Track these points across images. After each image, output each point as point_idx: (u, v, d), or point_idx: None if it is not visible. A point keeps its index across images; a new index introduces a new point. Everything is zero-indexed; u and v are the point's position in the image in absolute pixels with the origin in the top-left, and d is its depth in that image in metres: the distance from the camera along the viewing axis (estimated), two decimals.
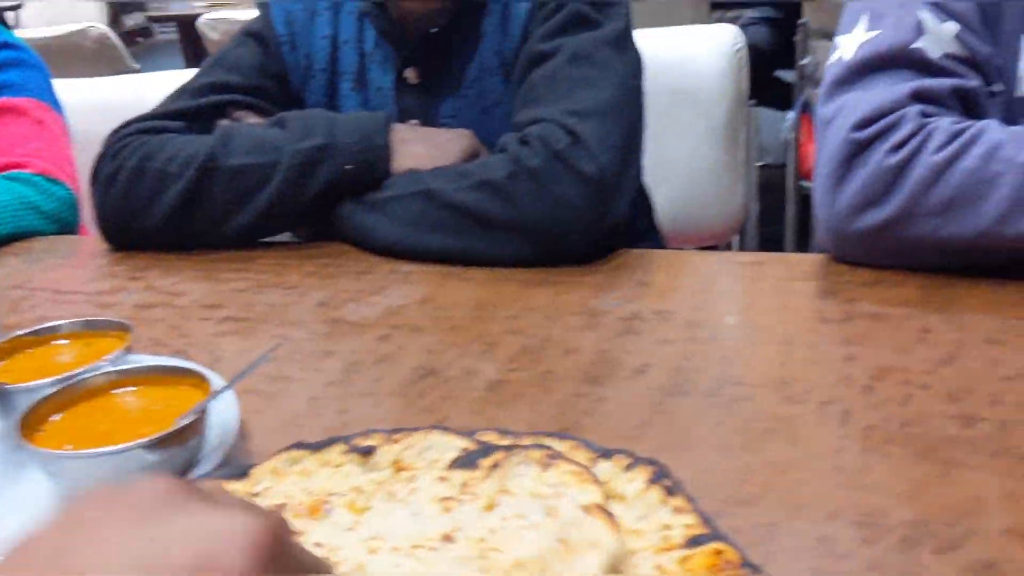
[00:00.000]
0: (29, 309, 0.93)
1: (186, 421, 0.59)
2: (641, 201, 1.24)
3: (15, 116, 1.28)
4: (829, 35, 1.09)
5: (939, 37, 0.85)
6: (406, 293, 0.90)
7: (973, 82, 0.85)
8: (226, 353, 0.80)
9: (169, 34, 5.65)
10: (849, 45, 0.88)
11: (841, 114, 0.84)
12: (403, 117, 1.09)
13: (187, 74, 1.19)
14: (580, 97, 0.95)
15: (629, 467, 0.53)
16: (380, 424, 0.67)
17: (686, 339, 0.76)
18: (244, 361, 0.78)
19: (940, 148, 0.79)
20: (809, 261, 0.88)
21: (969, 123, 0.81)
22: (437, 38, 1.08)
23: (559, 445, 0.55)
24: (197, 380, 0.65)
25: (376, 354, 0.78)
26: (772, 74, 3.05)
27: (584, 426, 0.64)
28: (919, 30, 0.85)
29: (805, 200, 2.37)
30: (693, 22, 2.28)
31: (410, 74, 1.10)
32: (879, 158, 0.80)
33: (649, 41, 1.30)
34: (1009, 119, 0.84)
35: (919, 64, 0.85)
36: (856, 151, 0.82)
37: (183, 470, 0.61)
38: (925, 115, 0.82)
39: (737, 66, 1.50)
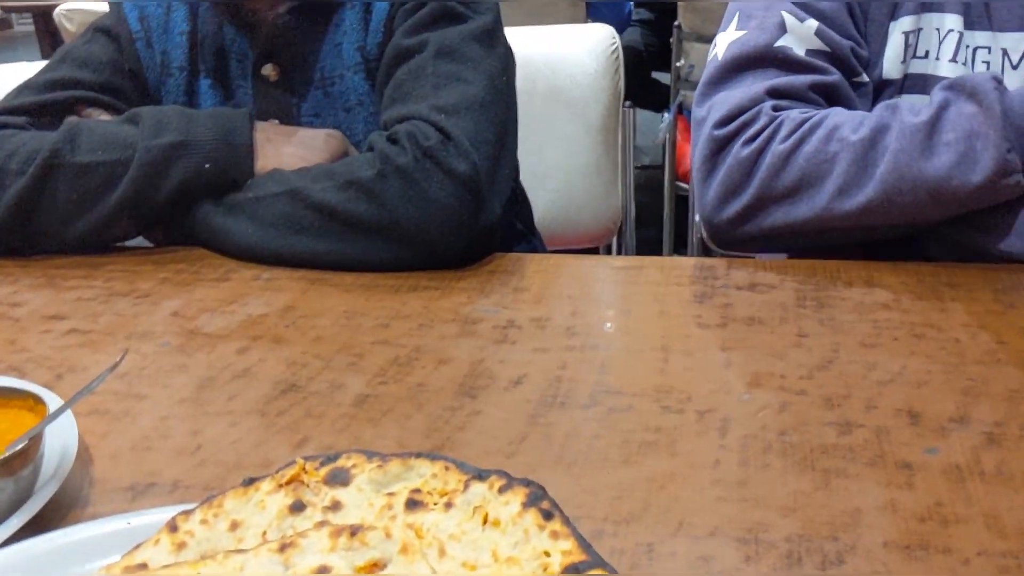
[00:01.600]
0: None
1: (16, 448, 0.53)
2: (517, 203, 1.21)
3: None
4: (703, 38, 1.10)
5: (801, 35, 0.90)
6: (267, 301, 0.84)
7: (832, 76, 0.90)
8: (70, 370, 0.73)
9: (28, 25, 5.35)
10: (722, 44, 0.92)
11: (710, 113, 0.90)
12: (263, 116, 1.03)
13: (40, 67, 1.10)
14: (448, 93, 0.91)
15: (503, 489, 0.50)
16: (237, 444, 0.62)
17: (563, 348, 0.73)
18: (89, 378, 0.71)
19: (786, 137, 0.85)
20: (685, 264, 0.87)
21: (816, 112, 0.86)
22: (294, 33, 1.02)
23: (430, 467, 0.52)
24: (31, 402, 0.58)
25: (233, 368, 0.72)
26: (649, 76, 3.09)
27: (457, 443, 0.61)
28: (782, 29, 0.90)
29: (682, 201, 2.40)
30: (570, 22, 2.28)
31: (268, 71, 1.04)
32: (736, 150, 0.87)
33: (524, 40, 1.28)
34: (877, 103, 0.89)
35: (782, 62, 0.90)
36: (718, 147, 0.88)
37: (15, 504, 0.54)
38: (777, 109, 0.87)
39: (613, 67, 1.49)
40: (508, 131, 0.95)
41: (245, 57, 1.05)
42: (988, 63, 0.91)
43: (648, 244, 2.52)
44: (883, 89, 0.93)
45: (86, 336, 0.79)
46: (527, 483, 0.50)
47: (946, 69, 0.92)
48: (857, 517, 0.51)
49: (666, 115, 2.48)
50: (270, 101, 1.04)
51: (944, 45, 0.92)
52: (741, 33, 0.92)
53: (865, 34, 0.93)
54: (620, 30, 2.67)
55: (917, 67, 0.93)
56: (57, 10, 2.23)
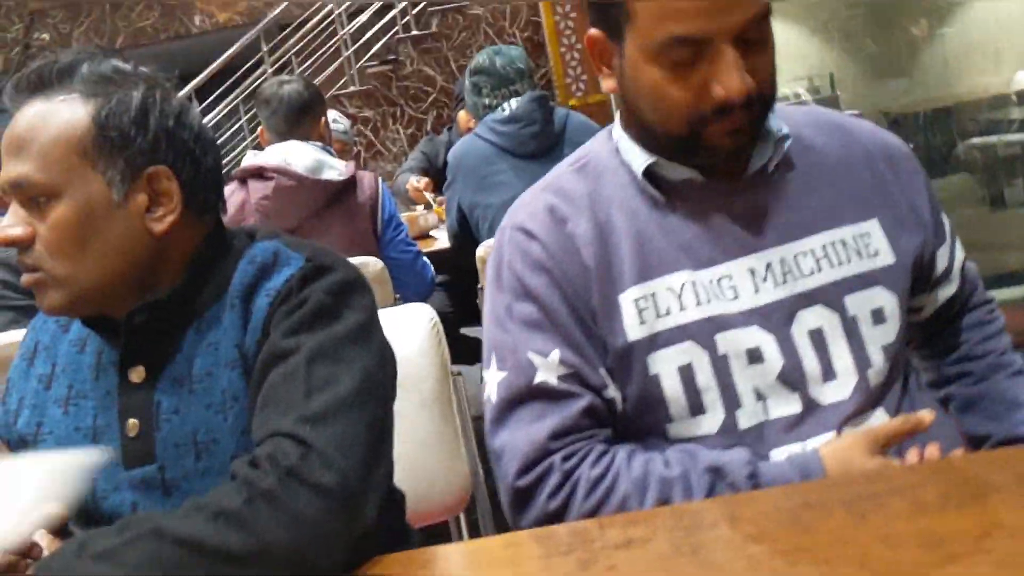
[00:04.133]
0: None
1: None
2: (392, 500, 1.20)
3: None
4: None
5: (549, 367, 1.04)
6: None
7: (587, 399, 1.04)
8: None
9: None
10: (491, 382, 1.07)
11: (504, 456, 1.04)
12: (123, 416, 1.03)
13: None
14: (318, 399, 0.93)
15: None
16: None
17: None
18: None
19: (585, 497, 0.99)
20: (560, 533, 0.89)
21: (604, 466, 1.00)
22: (160, 333, 1.04)
23: None
24: None
25: None
26: (459, 333, 3.21)
27: None
28: (533, 367, 1.04)
29: None
30: (380, 301, 2.36)
31: (134, 374, 1.04)
32: (542, 502, 1.00)
33: None
34: (632, 362, 1.04)
35: (545, 394, 1.04)
36: (523, 497, 1.02)
37: None
38: (567, 458, 1.01)
39: (436, 340, 1.55)
40: (383, 429, 0.98)
41: (111, 363, 1.06)
42: (735, 287, 1.04)
43: (494, 500, 2.51)
44: (632, 351, 1.05)
45: None
46: None
47: (695, 313, 1.04)
48: None
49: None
50: (132, 400, 1.04)
51: (684, 297, 1.05)
52: (503, 374, 1.06)
53: (595, 315, 1.06)
54: (426, 297, 2.80)
55: (664, 323, 1.05)
56: None
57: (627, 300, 1.05)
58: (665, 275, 1.05)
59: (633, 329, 1.05)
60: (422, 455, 1.52)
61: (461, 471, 1.55)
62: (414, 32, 6.84)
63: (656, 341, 1.04)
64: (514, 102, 2.64)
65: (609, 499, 0.98)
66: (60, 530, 1.12)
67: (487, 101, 2.71)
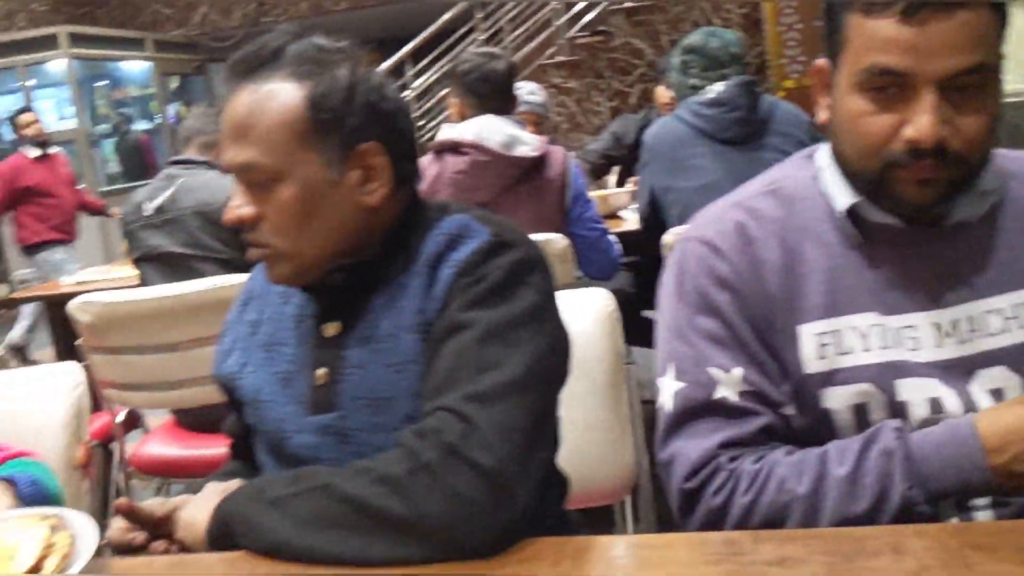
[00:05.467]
0: None
1: None
2: (553, 485, 1.22)
3: None
4: None
5: (731, 383, 1.03)
6: None
7: (766, 418, 1.02)
8: None
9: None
10: (667, 392, 1.06)
11: (674, 463, 1.03)
12: (314, 366, 1.10)
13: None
14: (485, 380, 0.95)
15: None
16: None
17: None
18: None
19: (746, 491, 0.98)
20: (712, 540, 0.88)
21: (762, 463, 0.99)
22: (354, 293, 1.10)
23: None
24: None
25: None
26: (640, 315, 3.19)
27: None
28: (714, 383, 1.03)
29: None
30: (561, 277, 2.38)
31: (328, 329, 1.11)
32: (707, 499, 0.99)
33: None
34: (804, 394, 1.03)
35: (723, 410, 1.03)
36: (690, 500, 1.01)
37: None
38: (732, 459, 1.00)
39: (612, 327, 1.55)
40: (547, 413, 1.00)
41: (309, 317, 1.13)
42: (917, 339, 1.01)
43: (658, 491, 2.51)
44: (806, 383, 1.03)
45: None
46: None
47: (877, 356, 1.01)
48: None
49: None
50: (323, 352, 1.11)
51: (869, 339, 1.02)
52: (681, 385, 1.05)
53: (774, 339, 1.04)
54: (610, 276, 2.79)
55: (843, 362, 1.02)
56: (73, 302, 2.32)
57: (808, 332, 1.04)
58: (852, 314, 1.03)
59: (811, 362, 1.03)
60: (589, 439, 1.53)
61: (626, 458, 1.55)
62: (628, 3, 6.77)
63: (833, 378, 1.02)
64: (720, 85, 2.58)
65: (767, 485, 0.97)
66: (247, 458, 1.22)
67: (693, 82, 2.65)
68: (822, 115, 1.07)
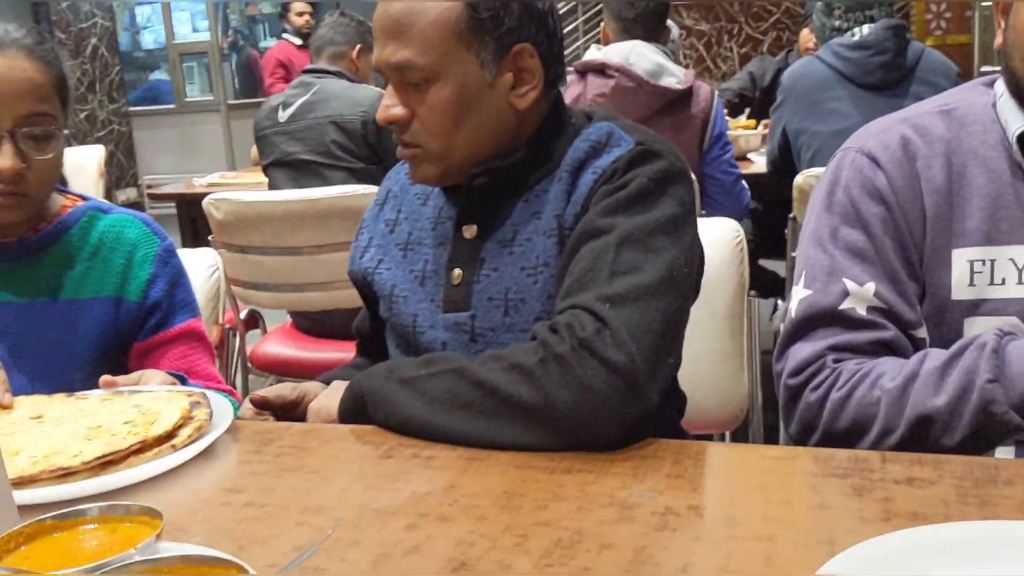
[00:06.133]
0: None
1: None
2: (673, 397, 1.23)
3: (200, 342, 1.31)
4: None
5: (862, 297, 1.01)
6: (429, 479, 0.88)
7: (889, 333, 1.01)
8: (251, 542, 0.77)
9: (161, 209, 5.75)
10: (795, 299, 1.06)
11: (786, 362, 1.04)
12: (450, 266, 1.13)
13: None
14: (620, 283, 0.96)
15: None
16: None
17: (726, 537, 0.74)
18: (270, 551, 0.75)
19: (842, 386, 0.97)
20: (839, 457, 0.87)
21: (870, 363, 0.97)
22: (494, 196, 1.11)
23: None
24: (234, 571, 0.62)
25: (404, 545, 0.75)
26: (757, 264, 3.14)
27: None
28: (844, 294, 1.02)
29: None
30: None
31: (467, 231, 1.13)
32: (806, 396, 1.00)
33: None
34: (947, 320, 1.01)
35: (846, 322, 1.02)
36: (792, 395, 1.02)
37: None
38: (838, 360, 1.00)
39: (738, 258, 1.54)
40: (678, 322, 1.00)
41: (448, 219, 1.15)
42: None
43: (768, 430, 2.49)
44: (949, 309, 1.01)
45: (262, 509, 0.83)
46: None
47: None
48: None
49: (780, 303, 2.50)
50: (461, 253, 1.13)
51: None
52: (808, 292, 1.04)
53: (922, 259, 1.02)
54: (739, 220, 2.75)
55: (993, 292, 1.00)
56: (206, 199, 2.42)
57: (961, 258, 1.01)
58: (1012, 245, 1.00)
59: (960, 288, 1.01)
60: (705, 366, 1.52)
61: (740, 390, 1.54)
62: None
63: (980, 307, 1.00)
64: (866, 28, 2.48)
65: (862, 383, 0.96)
66: (374, 355, 1.26)
67: (837, 24, 2.57)
68: (998, 39, 1.03)
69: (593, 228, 1.02)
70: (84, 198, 1.31)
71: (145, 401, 1.02)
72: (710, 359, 1.52)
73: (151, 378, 1.13)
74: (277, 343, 2.58)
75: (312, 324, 2.58)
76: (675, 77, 2.44)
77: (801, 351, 1.02)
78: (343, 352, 2.33)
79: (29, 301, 1.22)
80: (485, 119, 1.09)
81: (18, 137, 1.12)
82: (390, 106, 1.09)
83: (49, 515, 0.69)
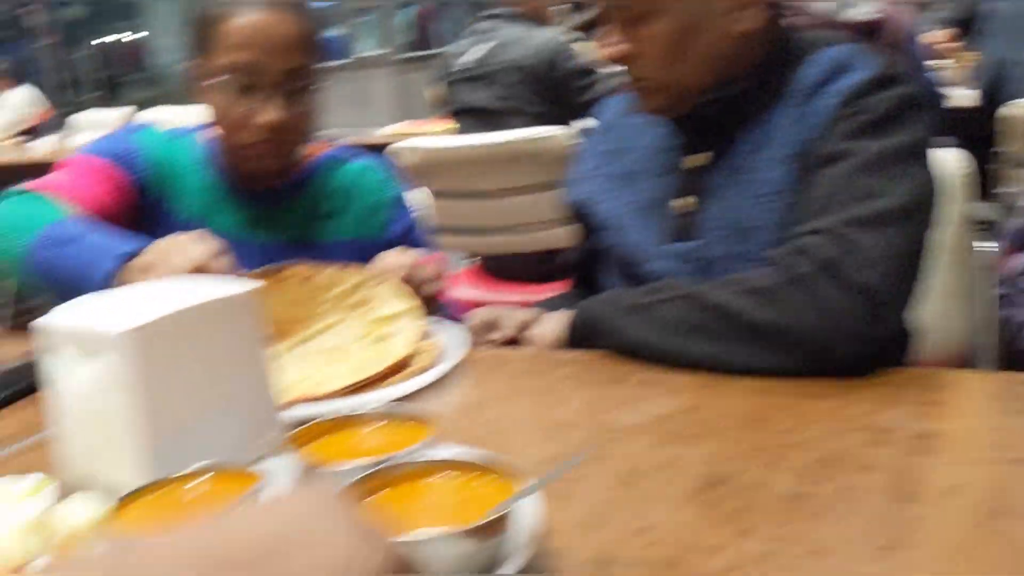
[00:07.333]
0: None
1: (494, 516, 0.58)
2: (907, 329, 1.19)
3: None
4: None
5: None
6: (669, 402, 0.88)
7: None
8: (501, 453, 0.80)
9: None
10: None
11: None
12: (676, 195, 1.12)
13: None
14: (864, 207, 0.93)
15: None
16: (683, 528, 0.64)
17: (996, 460, 0.71)
18: (523, 463, 0.77)
19: None
20: None
21: None
22: (722, 122, 1.10)
23: None
24: (502, 474, 0.64)
25: (655, 461, 0.76)
26: None
27: (907, 544, 0.61)
28: None
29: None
30: None
31: (693, 159, 1.12)
32: None
33: None
34: None
35: None
36: None
37: (486, 569, 0.59)
38: None
39: (964, 189, 1.46)
40: (921, 248, 0.96)
41: (673, 148, 1.15)
42: None
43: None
44: None
45: (507, 424, 0.86)
46: None
47: None
48: None
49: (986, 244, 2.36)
50: (687, 182, 1.12)
51: None
52: None
53: None
54: None
55: None
56: (397, 145, 2.48)
57: None
58: None
59: None
60: (929, 302, 1.46)
61: (960, 325, 1.47)
62: None
63: None
64: None
65: None
66: (588, 288, 1.27)
67: None
68: None
69: (835, 152, 0.99)
70: (328, 142, 1.38)
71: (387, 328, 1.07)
72: (936, 292, 1.45)
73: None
74: (466, 285, 2.64)
75: (499, 267, 2.63)
76: (857, 8, 2.32)
77: None
78: (530, 295, 2.37)
79: (284, 243, 1.30)
80: (708, 46, 1.07)
81: (285, 90, 1.18)
82: (612, 43, 1.09)
83: (329, 417, 0.73)
